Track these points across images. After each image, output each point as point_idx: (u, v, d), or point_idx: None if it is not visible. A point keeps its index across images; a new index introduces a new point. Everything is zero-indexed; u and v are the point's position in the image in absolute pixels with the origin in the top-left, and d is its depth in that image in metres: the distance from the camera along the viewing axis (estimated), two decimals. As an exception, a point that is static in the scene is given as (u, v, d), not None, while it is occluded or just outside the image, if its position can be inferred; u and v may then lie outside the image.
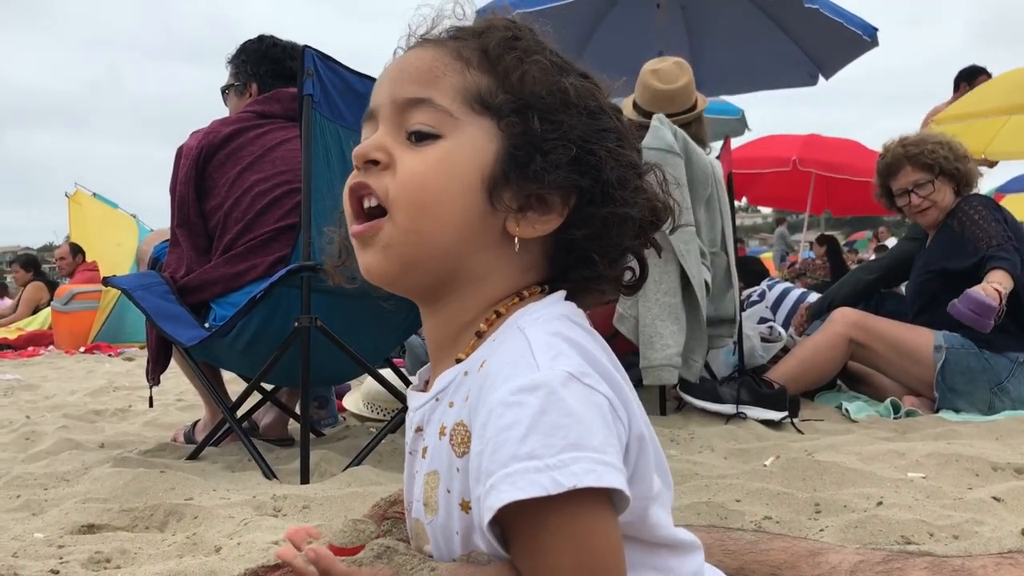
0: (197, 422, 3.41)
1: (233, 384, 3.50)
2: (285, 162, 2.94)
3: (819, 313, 4.43)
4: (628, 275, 0.95)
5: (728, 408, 3.46)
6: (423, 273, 0.89)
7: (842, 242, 15.43)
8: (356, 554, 0.89)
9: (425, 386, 0.96)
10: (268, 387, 3.27)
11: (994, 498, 2.19)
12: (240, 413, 3.10)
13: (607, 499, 0.78)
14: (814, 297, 5.39)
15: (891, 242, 13.88)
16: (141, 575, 1.69)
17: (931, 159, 3.88)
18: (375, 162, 0.89)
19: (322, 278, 2.64)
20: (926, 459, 2.63)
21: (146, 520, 2.19)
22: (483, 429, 0.79)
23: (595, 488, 0.75)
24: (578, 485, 0.74)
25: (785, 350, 4.11)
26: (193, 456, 2.94)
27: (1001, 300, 3.36)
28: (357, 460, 2.71)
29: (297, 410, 3.40)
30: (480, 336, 0.88)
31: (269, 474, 2.63)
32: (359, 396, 3.84)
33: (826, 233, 13.94)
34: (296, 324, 2.59)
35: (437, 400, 0.89)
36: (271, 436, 3.33)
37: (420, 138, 0.87)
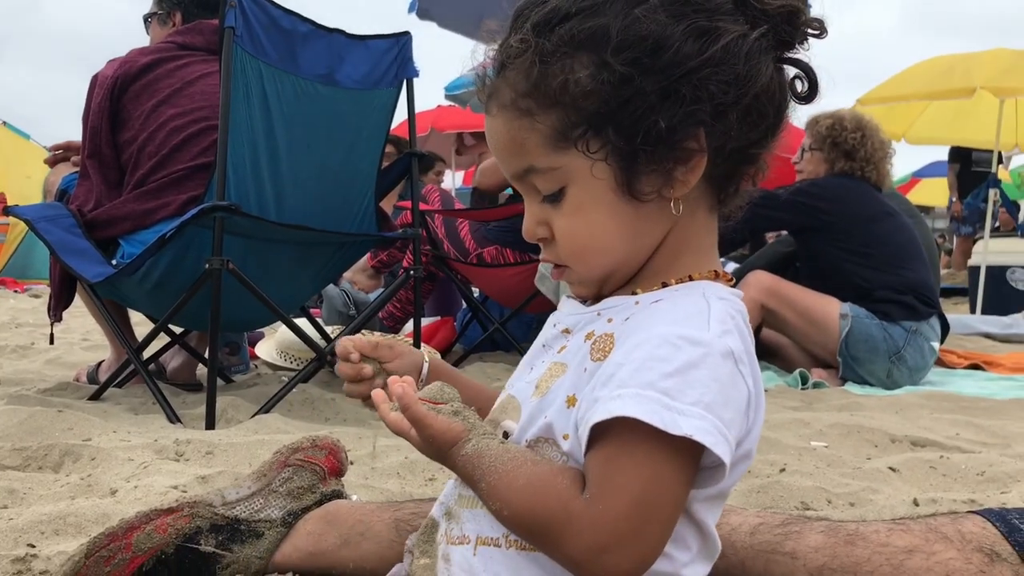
0: (101, 362, 3.30)
1: (142, 326, 3.40)
2: (204, 97, 2.83)
3: (737, 279, 4.50)
4: (800, 86, 0.93)
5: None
6: (617, 279, 0.94)
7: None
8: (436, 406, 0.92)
9: (585, 302, 1.00)
10: (178, 330, 3.18)
11: (890, 468, 2.25)
12: (147, 355, 3.01)
13: (696, 464, 0.82)
14: (731, 267, 5.48)
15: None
16: (28, 516, 1.62)
17: (813, 128, 4.09)
18: (543, 239, 0.95)
19: (236, 219, 2.56)
20: (829, 429, 2.70)
21: (39, 460, 2.11)
22: (634, 348, 0.83)
23: (700, 446, 0.79)
24: (692, 436, 0.78)
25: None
26: (95, 396, 2.85)
27: None
28: (265, 408, 2.66)
29: (206, 355, 3.32)
30: (665, 286, 0.92)
31: (173, 418, 2.56)
32: (272, 344, 3.77)
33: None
34: (207, 266, 2.51)
35: (598, 314, 0.93)
36: (178, 380, 3.24)
37: (552, 200, 0.92)
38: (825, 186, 3.97)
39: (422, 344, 3.26)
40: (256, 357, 3.81)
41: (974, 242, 9.71)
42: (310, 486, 1.35)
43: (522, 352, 4.27)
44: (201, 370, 3.39)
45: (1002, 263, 7.52)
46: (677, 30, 0.84)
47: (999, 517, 1.11)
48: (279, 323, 3.36)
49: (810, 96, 0.94)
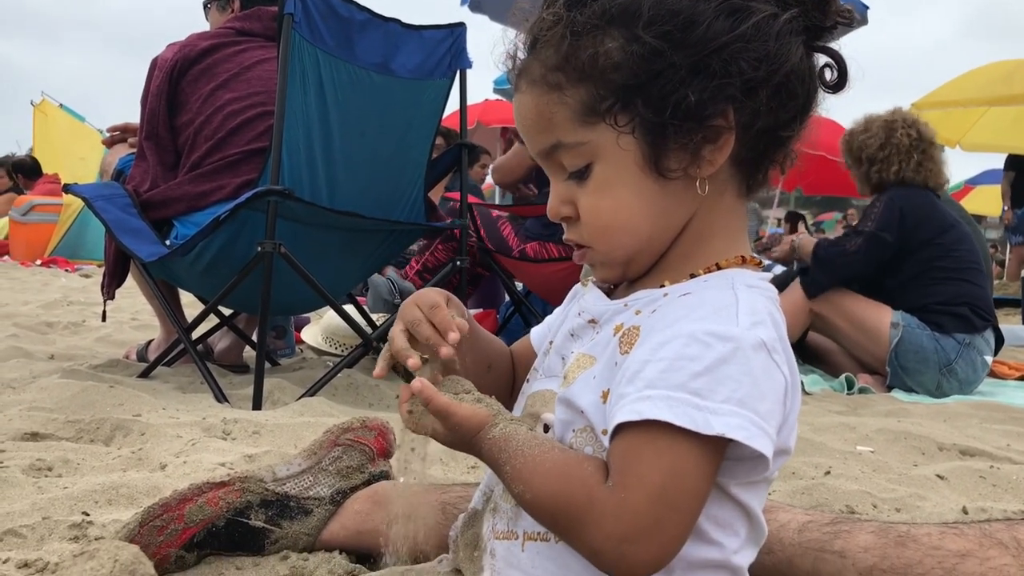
0: (151, 341, 3.36)
1: (192, 308, 3.45)
2: (261, 82, 2.87)
3: (782, 286, 4.45)
4: (829, 75, 0.93)
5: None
6: (641, 262, 0.93)
7: (810, 221, 15.54)
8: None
9: (609, 291, 1.00)
10: (226, 312, 3.23)
11: (938, 476, 2.22)
12: (196, 336, 3.06)
13: (721, 456, 0.82)
14: (778, 270, 5.42)
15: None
16: (82, 485, 1.65)
17: (846, 146, 4.05)
18: (567, 217, 0.94)
19: (289, 204, 2.59)
20: (875, 434, 2.66)
21: (91, 433, 2.16)
22: (661, 346, 0.82)
23: (727, 440, 0.79)
24: (726, 434, 0.78)
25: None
26: (145, 374, 2.90)
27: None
28: (311, 391, 2.68)
29: (254, 337, 3.37)
30: (693, 277, 0.91)
31: (220, 397, 2.60)
32: (318, 329, 3.80)
33: (794, 211, 14.03)
34: (259, 249, 2.54)
35: (626, 306, 0.92)
36: (225, 362, 3.29)
37: (579, 177, 0.91)
38: (901, 212, 3.85)
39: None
40: (301, 342, 3.85)
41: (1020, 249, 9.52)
42: (359, 466, 1.37)
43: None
44: (248, 352, 3.44)
45: (1056, 275, 7.37)
46: (709, 7, 0.85)
47: (1056, 525, 1.09)
48: (325, 309, 3.40)
49: (839, 85, 0.93)
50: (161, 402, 2.51)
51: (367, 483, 1.37)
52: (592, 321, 0.96)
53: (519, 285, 4.31)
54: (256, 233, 2.61)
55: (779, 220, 12.78)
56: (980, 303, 3.82)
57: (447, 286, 3.93)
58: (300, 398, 2.64)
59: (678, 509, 0.79)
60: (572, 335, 0.98)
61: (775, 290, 0.92)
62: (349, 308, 3.52)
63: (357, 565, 1.31)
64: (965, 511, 1.90)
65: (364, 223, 2.85)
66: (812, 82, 0.90)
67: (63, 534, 1.39)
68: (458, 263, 3.01)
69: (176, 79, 2.91)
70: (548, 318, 1.10)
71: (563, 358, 0.97)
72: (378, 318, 3.47)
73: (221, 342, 3.34)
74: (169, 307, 2.91)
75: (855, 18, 0.94)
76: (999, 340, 3.96)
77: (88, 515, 1.52)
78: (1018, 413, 3.33)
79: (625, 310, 0.92)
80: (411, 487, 1.36)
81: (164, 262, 2.70)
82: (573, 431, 0.90)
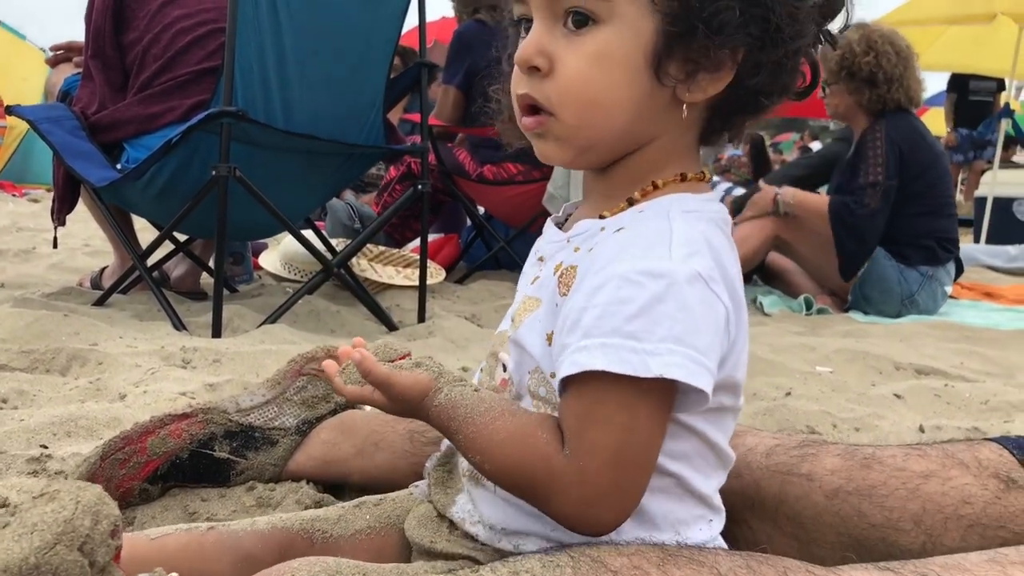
0: (105, 268, 3.28)
1: (145, 232, 3.37)
2: (211, -1, 2.76)
3: (741, 207, 4.46)
4: (799, 81, 0.90)
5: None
6: (598, 154, 0.88)
7: (768, 142, 15.54)
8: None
9: (565, 222, 0.96)
10: (182, 237, 3.16)
11: (895, 395, 2.26)
12: (151, 262, 2.99)
13: (671, 398, 0.80)
14: (739, 191, 5.43)
15: (815, 146, 14.01)
16: (39, 417, 1.62)
17: (826, 64, 3.83)
18: (536, 68, 0.85)
19: (243, 126, 2.52)
20: (834, 355, 2.71)
21: (47, 363, 2.11)
22: (595, 291, 0.80)
23: (673, 381, 0.77)
24: (665, 375, 0.76)
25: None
26: (100, 302, 2.84)
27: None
28: (272, 318, 2.65)
29: (211, 263, 3.31)
30: (631, 203, 0.88)
31: (179, 325, 2.56)
32: (276, 255, 3.75)
33: (751, 131, 14.02)
34: (213, 173, 2.47)
35: (568, 242, 0.90)
36: (182, 288, 3.23)
37: (578, 23, 0.83)
38: (900, 152, 3.74)
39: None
40: (260, 268, 3.80)
41: (959, 168, 9.62)
42: (324, 395, 1.35)
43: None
44: (205, 279, 3.38)
45: (1009, 195, 7.48)
46: None
47: (1015, 444, 1.11)
48: (283, 234, 3.35)
49: (806, 92, 0.91)
50: (118, 331, 2.46)
51: (333, 412, 1.35)
52: (540, 259, 0.94)
53: (480, 210, 4.27)
54: (210, 156, 2.53)
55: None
56: (948, 236, 3.86)
57: (412, 213, 3.89)
58: (260, 325, 2.61)
59: (635, 465, 0.79)
60: (524, 274, 0.97)
61: (720, 209, 0.89)
62: (307, 233, 3.47)
63: (325, 495, 1.30)
64: (922, 429, 1.94)
65: (321, 146, 2.78)
66: (797, 72, 0.88)
67: (21, 468, 1.36)
68: (419, 187, 2.96)
69: (122, -6, 2.78)
70: None
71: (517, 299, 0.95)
72: (337, 243, 3.43)
73: (177, 268, 3.28)
74: (122, 232, 2.84)
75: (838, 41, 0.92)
76: (959, 269, 4.02)
77: (47, 448, 1.49)
78: (971, 332, 3.40)
79: (566, 246, 0.90)
80: (378, 416, 1.35)
81: (116, 187, 2.62)
82: (528, 372, 0.88)
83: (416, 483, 1.07)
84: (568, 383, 0.80)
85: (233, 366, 2.20)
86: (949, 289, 3.94)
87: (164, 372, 2.07)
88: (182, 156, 2.58)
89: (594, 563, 0.78)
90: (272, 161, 2.74)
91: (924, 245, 3.78)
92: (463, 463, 0.95)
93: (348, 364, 0.90)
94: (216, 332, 2.48)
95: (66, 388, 1.89)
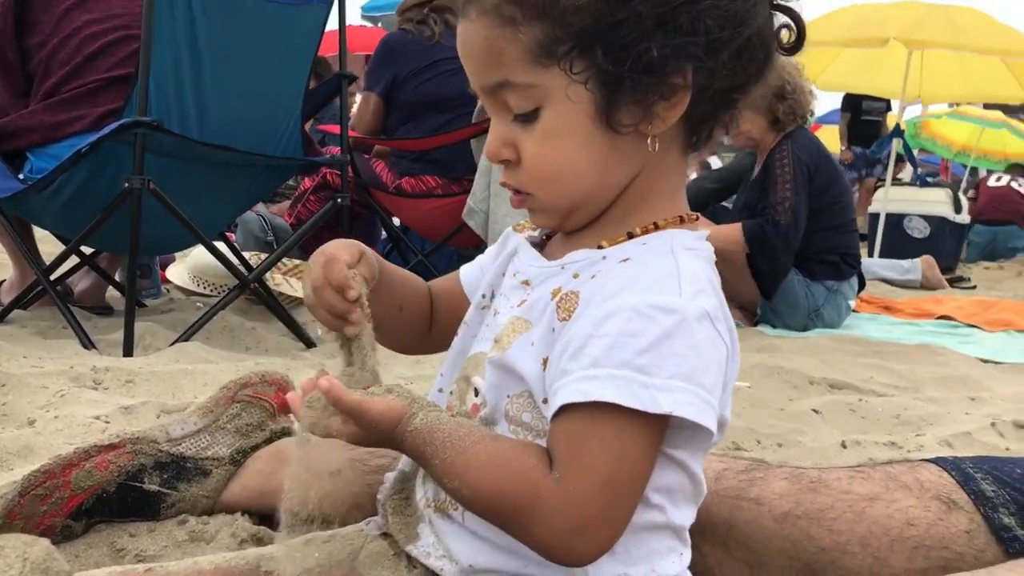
0: (2, 282, 3.12)
1: (46, 243, 3.21)
2: (122, 4, 2.65)
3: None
4: (787, 36, 0.90)
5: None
6: (586, 212, 0.89)
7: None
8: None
9: (543, 244, 0.96)
10: (87, 250, 3.02)
11: (813, 410, 2.32)
12: (54, 276, 2.85)
13: (665, 431, 0.80)
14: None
15: (714, 161, 14.35)
16: (-58, 448, 1.52)
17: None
18: (507, 159, 0.89)
19: (158, 136, 2.43)
20: (751, 369, 2.76)
21: (-56, 386, 1.99)
22: (603, 320, 0.79)
23: (669, 416, 0.77)
24: (675, 413, 0.77)
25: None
26: (-1, 318, 2.69)
27: None
28: (185, 335, 2.56)
29: (118, 277, 3.18)
30: (631, 236, 0.88)
31: (87, 343, 2.44)
32: (183, 268, 3.62)
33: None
34: (126, 185, 2.37)
35: (563, 268, 0.89)
36: (87, 303, 3.09)
37: (524, 120, 0.86)
38: (808, 169, 3.80)
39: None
40: (167, 281, 3.66)
41: (852, 185, 10.02)
42: (259, 423, 1.30)
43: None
44: (111, 293, 3.25)
45: (899, 211, 7.79)
46: None
47: (953, 466, 1.14)
48: (193, 247, 3.24)
49: (796, 47, 0.91)
50: (20, 349, 2.34)
51: (268, 441, 1.30)
52: (526, 282, 0.92)
53: (396, 222, 4.23)
54: (121, 167, 2.44)
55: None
56: (850, 251, 3.98)
57: (328, 225, 3.81)
58: (174, 343, 2.52)
59: (625, 495, 0.79)
60: (502, 295, 0.94)
61: (711, 249, 0.90)
62: (220, 246, 3.37)
63: (261, 527, 1.25)
64: (844, 445, 1.99)
65: (237, 157, 2.70)
66: (771, 44, 0.88)
67: (-72, 506, 1.27)
68: (339, 200, 2.90)
69: (25, -4, 2.66)
70: (480, 258, 1.05)
71: (496, 319, 0.92)
72: (250, 256, 3.33)
73: (81, 282, 3.15)
74: (24, 246, 2.70)
75: None
76: (861, 283, 4.16)
77: (-47, 480, 1.39)
78: (876, 346, 3.53)
79: (562, 272, 0.88)
80: (316, 446, 1.30)
81: (19, 198, 2.49)
82: (508, 396, 0.86)
83: (367, 519, 1.04)
84: (564, 409, 0.78)
85: (148, 387, 2.11)
86: (852, 303, 4.08)
87: (74, 394, 1.97)
88: (91, 167, 2.47)
89: None
90: (186, 172, 2.66)
91: (829, 260, 3.89)
92: (422, 493, 0.92)
93: (313, 395, 0.86)
94: (128, 351, 2.38)
95: (-32, 414, 1.78)
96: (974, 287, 6.56)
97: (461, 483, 0.79)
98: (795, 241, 3.77)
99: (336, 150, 3.88)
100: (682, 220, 0.90)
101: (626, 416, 0.76)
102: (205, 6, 2.53)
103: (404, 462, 0.99)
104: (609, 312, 0.79)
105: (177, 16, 2.46)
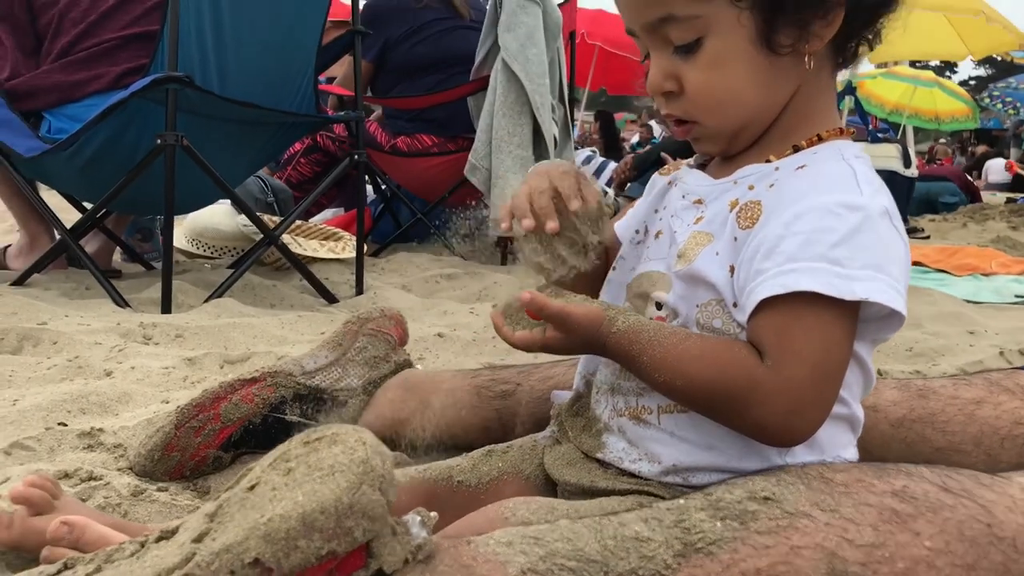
0: (8, 247, 3.07)
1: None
2: (136, -41, 2.62)
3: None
4: None
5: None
6: (750, 133, 0.94)
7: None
8: None
9: (703, 167, 1.01)
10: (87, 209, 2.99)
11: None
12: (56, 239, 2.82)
13: (856, 321, 0.85)
14: (599, 160, 5.64)
15: (655, 124, 14.43)
16: (34, 397, 1.53)
17: None
18: (669, 91, 0.93)
19: (186, 92, 2.41)
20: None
21: (-5, 344, 1.99)
22: (795, 220, 0.85)
23: (860, 304, 0.83)
24: (869, 298, 0.82)
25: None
26: (19, 282, 2.66)
27: None
28: (219, 291, 2.56)
29: (123, 237, 3.17)
30: (796, 149, 0.93)
31: (121, 302, 2.44)
32: (182, 231, 3.60)
33: (604, 110, 14.33)
34: (159, 141, 2.36)
35: (736, 183, 0.94)
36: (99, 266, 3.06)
37: (686, 51, 0.90)
38: None
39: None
40: (164, 244, 3.63)
41: None
42: (384, 355, 1.35)
43: (446, 243, 4.16)
44: (117, 255, 3.23)
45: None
46: None
47: (1042, 371, 1.24)
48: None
49: None
50: (59, 309, 2.32)
51: (394, 372, 1.35)
52: (698, 201, 0.97)
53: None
54: (145, 126, 2.42)
55: (590, 122, 13.05)
56: None
57: (342, 184, 3.82)
58: (208, 299, 2.52)
59: (832, 378, 0.85)
60: (673, 216, 0.99)
61: (870, 158, 0.96)
62: (225, 204, 3.36)
63: (397, 453, 1.31)
64: (880, 373, 2.10)
65: (256, 114, 2.70)
66: None
67: (74, 443, 1.30)
68: (356, 157, 2.91)
69: (32, -49, 2.60)
70: (630, 211, 1.10)
71: (670, 240, 0.97)
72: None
73: (89, 245, 3.10)
74: (47, 208, 2.66)
75: None
76: None
77: (66, 425, 1.42)
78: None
79: (735, 187, 0.93)
80: (440, 372, 1.36)
81: (40, 159, 2.46)
82: (697, 306, 0.91)
83: (535, 435, 1.10)
84: (764, 304, 0.84)
85: (198, 340, 2.13)
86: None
87: (133, 348, 1.98)
88: (115, 125, 2.45)
89: (820, 479, 0.84)
90: (205, 129, 2.64)
91: None
92: (606, 405, 0.98)
93: (511, 307, 0.92)
94: (166, 308, 2.38)
95: (42, 368, 1.79)
96: (927, 237, 6.79)
97: (674, 374, 0.85)
98: None
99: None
100: (841, 132, 0.95)
101: (824, 304, 0.82)
102: (225, -39, 2.51)
103: (577, 383, 1.05)
104: (798, 213, 0.85)
105: (200, -29, 2.44)
